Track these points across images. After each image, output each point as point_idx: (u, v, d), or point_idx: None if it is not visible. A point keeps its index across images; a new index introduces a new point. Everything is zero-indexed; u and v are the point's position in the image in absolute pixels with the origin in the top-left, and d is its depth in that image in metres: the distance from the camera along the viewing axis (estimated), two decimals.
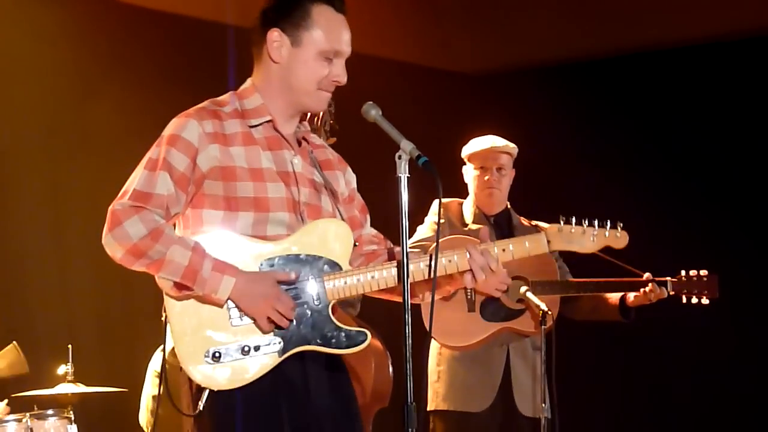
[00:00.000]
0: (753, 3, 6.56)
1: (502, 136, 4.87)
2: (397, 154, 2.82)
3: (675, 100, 7.04)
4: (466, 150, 4.85)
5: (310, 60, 3.01)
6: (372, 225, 3.28)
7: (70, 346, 4.38)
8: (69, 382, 4.40)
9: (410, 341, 2.74)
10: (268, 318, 2.88)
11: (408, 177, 2.81)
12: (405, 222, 2.80)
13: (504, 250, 3.04)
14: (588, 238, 3.12)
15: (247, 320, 2.91)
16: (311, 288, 2.94)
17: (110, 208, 2.91)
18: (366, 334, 2.96)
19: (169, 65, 5.91)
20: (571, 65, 7.36)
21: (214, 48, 6.16)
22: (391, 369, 4.57)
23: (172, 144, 2.94)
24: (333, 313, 2.96)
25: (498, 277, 3.05)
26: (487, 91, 7.50)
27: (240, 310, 2.89)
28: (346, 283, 2.95)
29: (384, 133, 2.90)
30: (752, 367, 6.67)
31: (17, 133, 5.42)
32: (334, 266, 2.97)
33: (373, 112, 2.92)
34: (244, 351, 2.88)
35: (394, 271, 2.98)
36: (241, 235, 2.93)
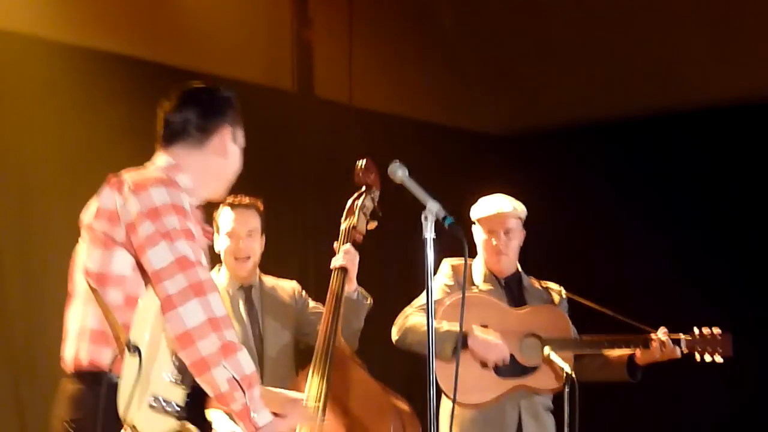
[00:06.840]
0: None
1: (525, 197, 4.76)
2: (423, 215, 2.83)
3: (689, 162, 7.04)
4: (474, 212, 4.72)
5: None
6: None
7: None
8: None
9: (434, 403, 2.74)
10: None
11: (434, 238, 2.82)
12: (430, 283, 2.81)
13: None
14: None
15: None
16: None
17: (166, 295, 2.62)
18: None
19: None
20: (595, 127, 7.37)
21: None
22: None
23: (181, 213, 2.70)
24: None
25: None
26: (511, 152, 7.52)
27: None
28: None
29: (408, 192, 2.90)
30: None
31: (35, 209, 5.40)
32: None
33: (400, 172, 2.93)
34: None
35: None
36: None
